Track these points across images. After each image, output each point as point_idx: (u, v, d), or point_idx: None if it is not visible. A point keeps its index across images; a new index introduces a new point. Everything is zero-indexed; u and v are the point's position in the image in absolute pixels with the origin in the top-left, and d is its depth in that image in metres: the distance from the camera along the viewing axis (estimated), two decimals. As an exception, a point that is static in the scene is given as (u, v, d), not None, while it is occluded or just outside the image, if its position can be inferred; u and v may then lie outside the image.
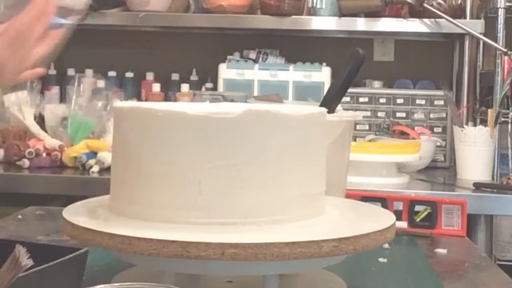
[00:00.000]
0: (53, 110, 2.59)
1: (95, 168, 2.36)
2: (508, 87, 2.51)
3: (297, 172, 0.94)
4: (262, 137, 0.92)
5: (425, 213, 1.50)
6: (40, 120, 2.58)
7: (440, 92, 2.76)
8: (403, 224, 1.47)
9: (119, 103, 0.99)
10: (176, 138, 0.91)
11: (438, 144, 2.71)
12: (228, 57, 2.96)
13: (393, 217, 1.01)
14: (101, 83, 2.82)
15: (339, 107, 1.28)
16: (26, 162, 2.39)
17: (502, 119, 2.50)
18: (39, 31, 1.02)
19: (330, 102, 1.25)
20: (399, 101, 2.81)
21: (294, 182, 0.94)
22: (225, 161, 0.90)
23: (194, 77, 3.11)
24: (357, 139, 2.70)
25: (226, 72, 2.87)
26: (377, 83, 2.99)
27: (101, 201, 1.05)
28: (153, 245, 0.84)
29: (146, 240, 0.84)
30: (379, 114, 2.80)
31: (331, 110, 1.23)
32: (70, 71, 3.07)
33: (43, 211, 1.62)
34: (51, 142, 2.46)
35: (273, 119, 0.93)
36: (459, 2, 2.74)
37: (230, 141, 0.90)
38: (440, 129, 2.79)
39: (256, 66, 2.89)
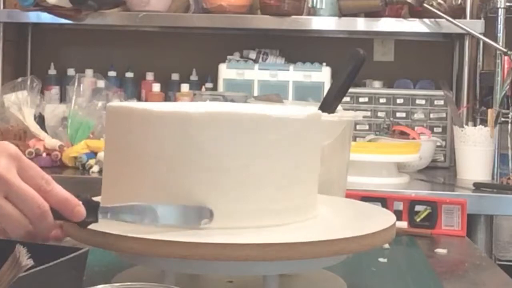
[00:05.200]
0: (53, 110, 2.59)
1: (95, 168, 2.36)
2: (508, 87, 2.51)
3: (296, 173, 0.94)
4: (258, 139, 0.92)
5: (425, 213, 1.50)
6: (40, 120, 2.58)
7: (440, 92, 2.75)
8: (403, 224, 1.47)
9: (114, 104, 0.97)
10: (175, 139, 0.91)
11: (438, 144, 2.71)
12: (228, 57, 2.96)
13: (393, 217, 1.01)
14: (101, 83, 2.82)
15: (339, 107, 1.28)
16: (26, 162, 2.39)
17: (502, 119, 2.50)
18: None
19: (330, 102, 1.25)
20: (399, 101, 2.81)
21: (295, 183, 0.94)
22: (228, 164, 0.89)
23: (194, 77, 3.11)
24: (357, 139, 2.70)
25: (226, 72, 2.87)
26: (377, 83, 2.99)
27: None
28: (154, 245, 0.84)
29: (148, 240, 0.84)
30: (379, 114, 2.80)
31: (332, 111, 1.23)
32: (70, 71, 3.07)
33: (43, 211, 1.61)
34: (51, 142, 2.46)
35: (273, 121, 0.93)
36: (459, 2, 2.74)
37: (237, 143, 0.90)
38: (440, 129, 2.79)
39: (256, 66, 2.89)
